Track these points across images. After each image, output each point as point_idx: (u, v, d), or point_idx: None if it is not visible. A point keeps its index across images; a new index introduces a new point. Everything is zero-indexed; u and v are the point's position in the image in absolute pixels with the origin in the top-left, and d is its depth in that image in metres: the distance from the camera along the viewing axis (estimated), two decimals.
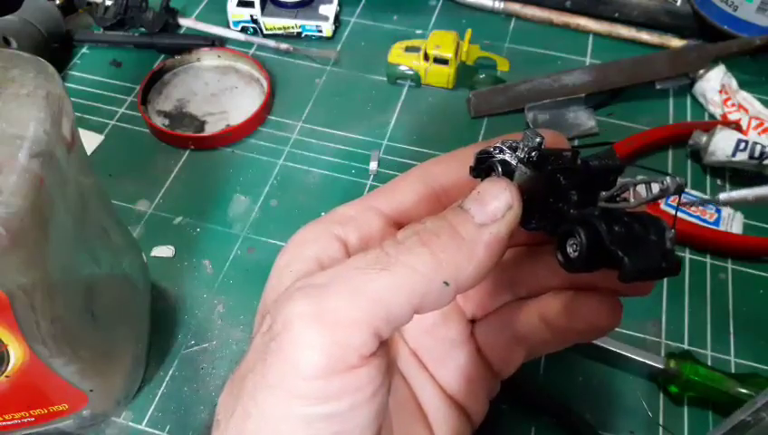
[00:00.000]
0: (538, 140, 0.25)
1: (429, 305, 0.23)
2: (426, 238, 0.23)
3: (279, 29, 0.77)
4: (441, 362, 0.31)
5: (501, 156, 0.26)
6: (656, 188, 0.24)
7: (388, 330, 0.23)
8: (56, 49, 0.74)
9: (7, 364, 0.37)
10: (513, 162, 0.26)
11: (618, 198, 0.25)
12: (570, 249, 0.24)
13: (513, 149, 0.26)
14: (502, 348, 0.31)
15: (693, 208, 0.61)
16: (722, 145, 0.63)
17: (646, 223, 0.25)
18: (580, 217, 0.24)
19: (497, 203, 0.24)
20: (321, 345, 0.22)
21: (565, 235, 0.24)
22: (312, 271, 0.26)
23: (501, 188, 0.24)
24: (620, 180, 0.26)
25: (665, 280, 0.58)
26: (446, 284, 0.23)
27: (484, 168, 0.27)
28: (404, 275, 0.22)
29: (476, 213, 0.23)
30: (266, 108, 0.70)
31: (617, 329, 0.54)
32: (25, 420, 0.43)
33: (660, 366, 0.50)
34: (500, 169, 0.26)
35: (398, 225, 0.28)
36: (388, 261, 0.22)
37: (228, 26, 0.78)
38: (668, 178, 0.24)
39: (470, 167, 0.27)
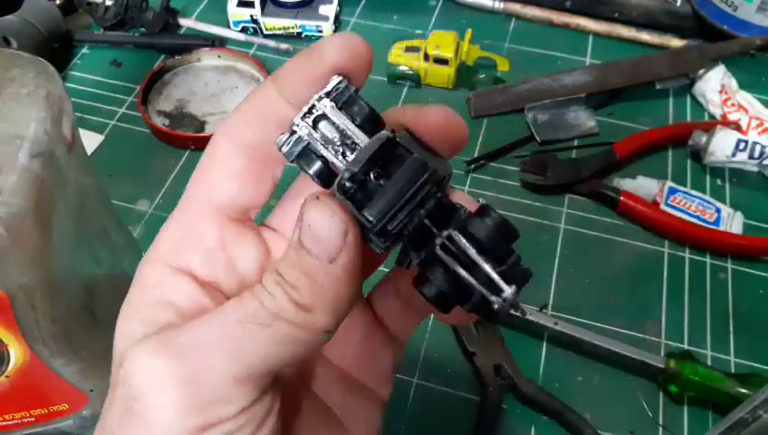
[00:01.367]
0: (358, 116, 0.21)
1: (314, 351, 0.22)
2: (291, 293, 0.21)
3: (279, 29, 0.77)
4: (341, 342, 0.28)
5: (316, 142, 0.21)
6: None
7: (271, 380, 0.22)
8: (56, 49, 0.74)
9: (8, 364, 0.37)
10: (332, 158, 0.22)
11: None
12: (425, 290, 0.22)
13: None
14: (399, 312, 0.29)
15: (693, 208, 0.61)
16: (722, 145, 0.64)
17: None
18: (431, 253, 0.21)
19: (332, 235, 0.21)
20: (189, 409, 0.20)
21: (421, 275, 0.22)
22: (166, 320, 0.22)
23: (327, 217, 0.21)
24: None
25: (665, 281, 0.58)
26: (327, 331, 0.22)
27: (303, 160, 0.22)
28: (287, 332, 0.21)
29: (319, 252, 0.21)
30: None
31: (617, 329, 0.54)
32: (26, 420, 0.43)
33: (660, 366, 0.50)
34: (318, 180, 0.22)
35: (232, 214, 0.25)
36: (267, 315, 0.21)
37: (228, 26, 0.78)
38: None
39: (278, 143, 0.22)
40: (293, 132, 0.22)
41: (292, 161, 0.22)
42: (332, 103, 0.21)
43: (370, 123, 0.22)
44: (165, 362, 0.20)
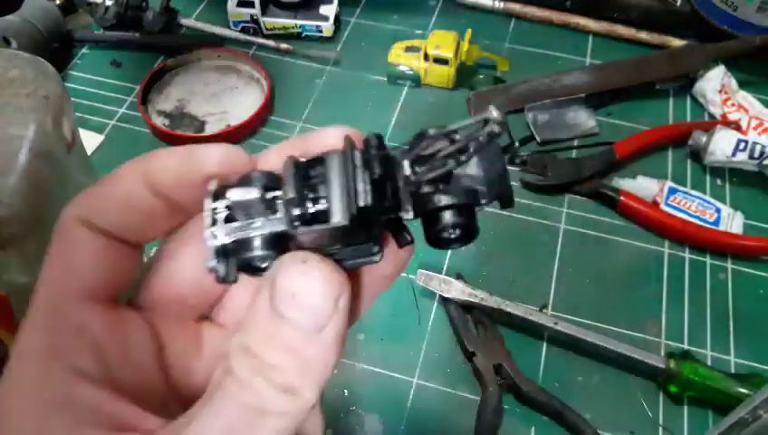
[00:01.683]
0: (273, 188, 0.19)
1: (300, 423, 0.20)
2: (274, 378, 0.18)
3: (279, 29, 0.77)
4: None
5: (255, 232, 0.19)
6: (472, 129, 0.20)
7: None
8: (56, 49, 0.74)
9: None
10: (283, 227, 0.19)
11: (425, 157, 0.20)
12: (446, 234, 0.20)
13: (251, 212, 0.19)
14: None
15: (693, 208, 0.61)
16: (722, 145, 0.63)
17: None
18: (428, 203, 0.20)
19: (324, 302, 0.19)
20: None
21: (431, 223, 0.20)
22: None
23: (319, 283, 0.19)
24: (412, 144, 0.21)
25: (665, 281, 0.58)
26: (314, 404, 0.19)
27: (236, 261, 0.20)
28: (275, 424, 0.19)
29: (307, 322, 0.19)
30: (266, 108, 0.70)
31: (617, 329, 0.54)
32: None
33: (660, 366, 0.50)
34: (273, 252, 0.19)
35: (104, 298, 0.21)
36: (252, 414, 0.18)
37: (228, 26, 0.78)
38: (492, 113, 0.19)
39: (211, 269, 0.19)
40: (219, 247, 0.20)
41: (238, 271, 0.20)
42: (228, 200, 0.20)
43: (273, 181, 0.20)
44: None
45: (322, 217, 0.19)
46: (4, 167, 0.32)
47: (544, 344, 0.54)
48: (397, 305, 0.55)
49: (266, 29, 0.77)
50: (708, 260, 0.59)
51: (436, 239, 0.21)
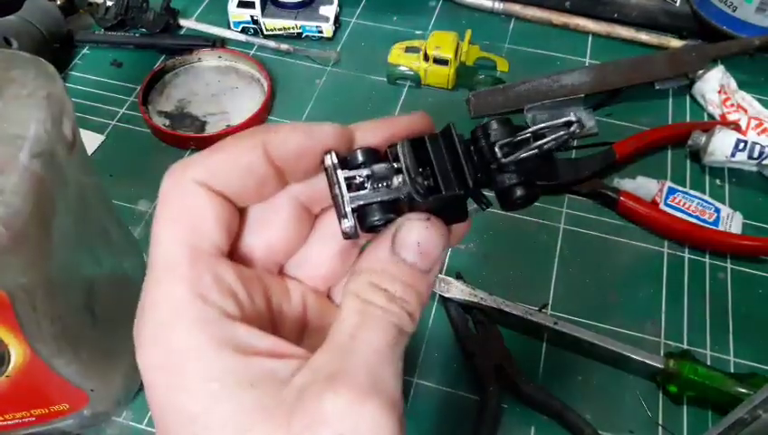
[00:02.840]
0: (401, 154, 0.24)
1: None
2: (407, 307, 0.23)
3: (279, 30, 0.78)
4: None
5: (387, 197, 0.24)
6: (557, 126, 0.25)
7: None
8: (57, 49, 0.75)
9: (8, 364, 0.37)
10: (404, 195, 0.24)
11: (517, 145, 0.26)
12: (517, 193, 0.26)
13: (384, 180, 0.24)
14: None
15: (692, 208, 0.61)
16: (721, 145, 0.64)
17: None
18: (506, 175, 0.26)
19: (438, 251, 0.25)
20: None
21: (506, 195, 0.26)
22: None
23: (438, 236, 0.24)
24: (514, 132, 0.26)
25: (664, 281, 0.58)
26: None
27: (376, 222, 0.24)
28: (403, 345, 0.23)
29: (423, 265, 0.24)
30: (267, 108, 0.70)
31: (617, 329, 0.54)
32: (26, 420, 0.43)
33: (660, 366, 0.50)
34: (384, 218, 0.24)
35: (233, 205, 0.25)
36: (397, 334, 0.23)
37: (229, 27, 0.78)
38: (573, 115, 0.25)
39: (348, 227, 0.24)
40: (354, 208, 0.24)
41: (367, 230, 0.24)
42: (357, 169, 0.24)
43: (374, 156, 0.25)
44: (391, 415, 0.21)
45: (436, 190, 0.24)
46: (5, 167, 0.32)
47: (544, 344, 0.54)
48: None
49: (266, 30, 0.78)
50: (707, 260, 0.59)
51: (507, 205, 0.27)
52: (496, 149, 0.25)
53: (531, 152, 0.25)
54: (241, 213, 0.26)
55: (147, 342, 0.23)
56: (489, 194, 0.27)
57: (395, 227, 0.24)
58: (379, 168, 0.24)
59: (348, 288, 0.24)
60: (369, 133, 0.26)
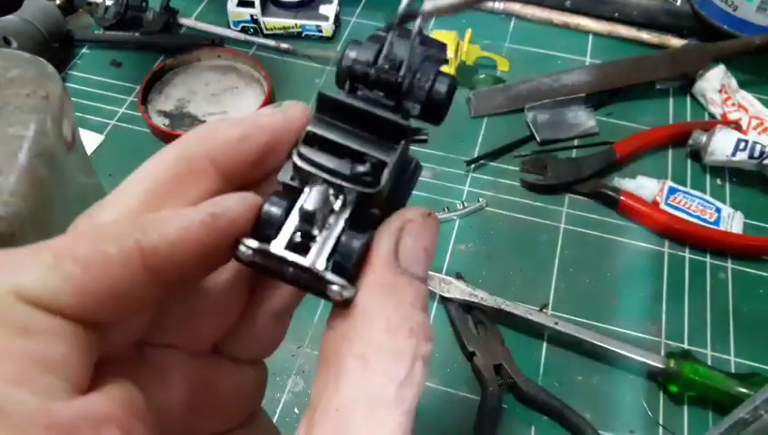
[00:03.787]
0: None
1: None
2: (417, 330, 0.18)
3: (279, 29, 0.77)
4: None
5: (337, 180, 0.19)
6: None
7: None
8: (56, 49, 0.75)
9: None
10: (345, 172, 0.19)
11: None
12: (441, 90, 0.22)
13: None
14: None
15: (693, 208, 0.61)
16: (722, 145, 0.63)
17: None
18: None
19: (433, 253, 0.19)
20: None
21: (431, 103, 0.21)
22: None
23: (438, 231, 0.19)
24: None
25: (665, 280, 0.58)
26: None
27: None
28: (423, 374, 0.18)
29: (425, 275, 0.19)
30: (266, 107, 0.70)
31: (617, 328, 0.54)
32: None
33: (660, 366, 0.50)
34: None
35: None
36: (411, 371, 0.17)
37: (228, 26, 0.78)
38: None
39: (340, 289, 0.18)
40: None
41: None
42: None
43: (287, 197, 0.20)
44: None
45: (378, 165, 0.19)
46: (5, 166, 0.32)
47: (544, 344, 0.54)
48: None
49: (266, 29, 0.77)
50: (708, 260, 0.59)
51: (434, 111, 0.21)
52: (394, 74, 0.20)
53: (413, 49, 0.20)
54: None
55: None
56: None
57: (393, 237, 0.18)
58: (309, 201, 0.18)
59: (347, 346, 0.17)
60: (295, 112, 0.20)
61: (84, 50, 0.77)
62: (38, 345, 0.15)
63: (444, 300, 0.55)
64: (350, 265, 0.18)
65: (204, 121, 0.69)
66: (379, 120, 0.19)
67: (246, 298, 0.22)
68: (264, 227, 0.18)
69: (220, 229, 0.17)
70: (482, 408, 0.50)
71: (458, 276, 0.56)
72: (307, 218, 0.18)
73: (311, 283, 0.18)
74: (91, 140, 0.67)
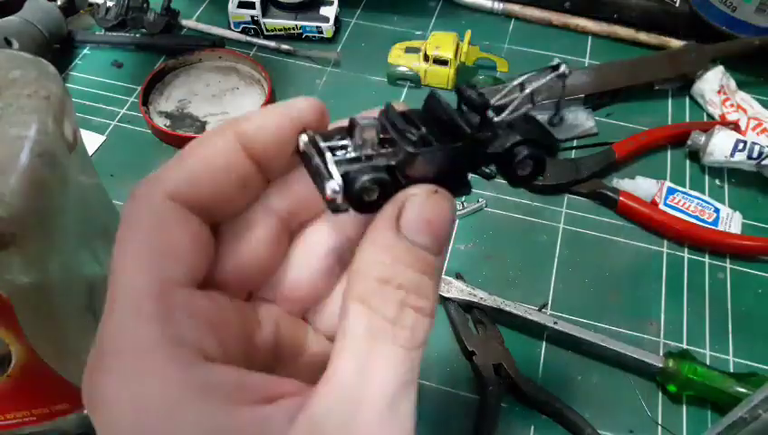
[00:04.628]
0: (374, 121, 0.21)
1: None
2: (425, 304, 0.20)
3: (280, 30, 0.78)
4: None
5: (374, 164, 0.21)
6: (546, 74, 0.24)
7: None
8: (58, 50, 0.75)
9: (9, 364, 0.37)
10: (389, 159, 0.21)
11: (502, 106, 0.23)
12: (521, 170, 0.23)
13: (362, 149, 0.21)
14: None
15: (692, 208, 0.61)
16: (720, 145, 0.64)
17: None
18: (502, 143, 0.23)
19: (448, 228, 0.21)
20: None
21: (509, 158, 0.23)
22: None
23: (447, 211, 0.20)
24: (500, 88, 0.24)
25: (663, 280, 0.58)
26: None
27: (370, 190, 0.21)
28: (419, 354, 0.21)
29: (435, 247, 0.20)
30: None
31: (616, 328, 0.54)
32: (27, 420, 0.43)
33: (659, 365, 0.50)
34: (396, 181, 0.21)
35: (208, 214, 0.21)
36: (407, 357, 0.20)
37: (229, 27, 0.78)
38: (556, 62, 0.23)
39: (334, 202, 0.20)
40: (342, 173, 0.20)
41: (350, 202, 0.21)
42: (339, 139, 0.21)
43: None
44: None
45: (430, 144, 0.21)
46: (6, 167, 0.32)
47: (544, 344, 0.54)
48: None
49: (267, 30, 0.78)
50: (707, 260, 0.59)
51: (514, 174, 0.23)
52: (489, 111, 0.22)
53: (524, 105, 0.22)
54: (214, 231, 0.22)
55: (109, 398, 0.18)
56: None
57: (397, 206, 0.20)
58: (368, 135, 0.21)
59: (351, 292, 0.20)
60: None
61: (85, 51, 0.77)
62: (168, 236, 0.20)
63: (443, 300, 0.55)
64: (355, 185, 0.20)
65: (205, 122, 0.70)
66: (453, 123, 0.22)
67: (287, 245, 0.24)
68: (330, 134, 0.21)
69: (292, 118, 0.21)
70: (481, 407, 0.50)
71: (458, 276, 0.56)
72: (351, 129, 0.21)
73: (319, 177, 0.20)
74: (92, 141, 0.67)
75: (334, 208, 0.20)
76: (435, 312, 0.21)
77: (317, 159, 0.20)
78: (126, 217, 0.20)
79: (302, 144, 0.21)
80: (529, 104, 0.23)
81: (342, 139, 0.21)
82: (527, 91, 0.23)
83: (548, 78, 0.23)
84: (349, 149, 0.21)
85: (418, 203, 0.20)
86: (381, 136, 0.21)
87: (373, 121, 0.21)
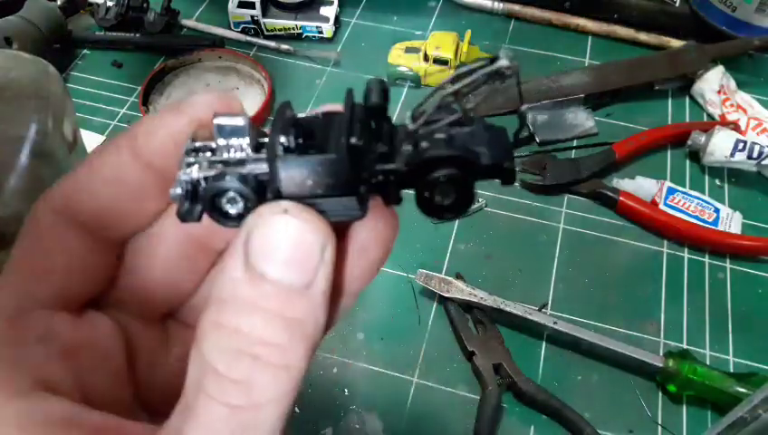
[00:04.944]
0: (242, 121, 0.18)
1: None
2: (272, 356, 0.16)
3: (280, 30, 0.78)
4: None
5: (228, 170, 0.18)
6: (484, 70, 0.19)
7: None
8: (58, 50, 0.75)
9: None
10: (250, 169, 0.18)
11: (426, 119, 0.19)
12: (438, 197, 0.18)
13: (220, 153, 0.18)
14: None
15: (692, 208, 0.61)
16: (720, 145, 0.64)
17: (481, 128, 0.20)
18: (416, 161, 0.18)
19: (311, 253, 0.16)
20: None
21: (421, 180, 0.18)
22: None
23: (303, 231, 0.16)
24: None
25: (663, 280, 0.58)
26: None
27: (210, 197, 0.18)
28: (283, 408, 0.17)
29: (292, 278, 0.16)
30: (267, 108, 0.70)
31: (616, 328, 0.54)
32: None
33: (659, 365, 0.50)
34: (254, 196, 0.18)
35: (74, 306, 0.20)
36: (255, 406, 0.16)
37: (229, 27, 0.78)
38: (501, 53, 0.18)
39: (174, 197, 0.18)
40: (189, 180, 0.18)
41: (205, 210, 0.18)
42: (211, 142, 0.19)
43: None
44: None
45: (311, 151, 0.18)
46: (6, 167, 0.32)
47: (544, 344, 0.54)
48: (397, 305, 0.56)
49: (267, 30, 0.78)
50: (707, 260, 0.59)
51: (427, 203, 0.18)
52: (407, 114, 0.18)
53: (449, 111, 0.18)
54: (121, 247, 0.21)
55: None
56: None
57: (246, 228, 0.17)
58: (237, 140, 0.18)
59: (197, 333, 0.17)
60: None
61: (85, 51, 0.77)
62: (43, 254, 0.19)
63: (444, 300, 0.55)
64: (208, 193, 0.18)
65: None
66: (346, 132, 0.18)
67: (208, 266, 0.22)
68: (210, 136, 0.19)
69: (187, 120, 0.19)
70: (481, 407, 0.50)
71: (458, 276, 0.56)
72: (223, 145, 0.18)
73: (178, 178, 0.18)
74: (92, 141, 0.67)
75: (180, 216, 0.18)
76: (302, 360, 0.17)
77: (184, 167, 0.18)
78: (19, 233, 0.19)
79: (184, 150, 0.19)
80: (451, 114, 0.19)
81: (235, 118, 0.18)
82: (453, 88, 0.19)
83: (484, 71, 0.19)
84: (216, 153, 0.18)
85: (265, 225, 0.17)
86: (261, 141, 0.18)
87: (241, 124, 0.18)
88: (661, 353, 0.52)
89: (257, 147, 0.18)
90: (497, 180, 0.18)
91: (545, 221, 0.62)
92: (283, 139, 0.17)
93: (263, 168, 0.18)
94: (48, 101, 0.36)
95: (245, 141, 0.18)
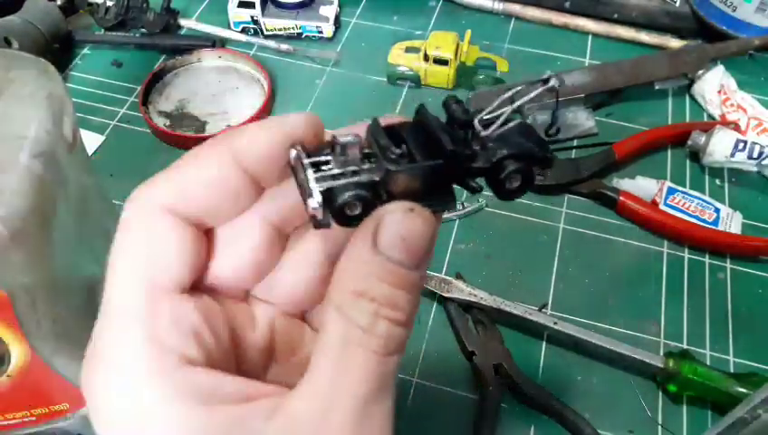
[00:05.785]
0: (357, 139, 0.22)
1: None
2: (398, 316, 0.21)
3: (279, 30, 0.78)
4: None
5: (355, 179, 0.21)
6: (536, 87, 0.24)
7: None
8: (57, 49, 0.75)
9: (9, 364, 0.37)
10: (371, 176, 0.21)
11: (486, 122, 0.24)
12: (509, 183, 0.23)
13: (346, 165, 0.22)
14: None
15: (692, 208, 0.61)
16: (721, 145, 0.64)
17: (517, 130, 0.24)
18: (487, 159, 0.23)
19: (426, 244, 0.21)
20: None
21: (497, 173, 0.23)
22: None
23: (424, 228, 0.21)
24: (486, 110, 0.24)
25: (664, 280, 0.58)
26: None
27: (345, 205, 0.21)
28: (400, 358, 0.22)
29: (411, 262, 0.21)
30: (267, 108, 0.70)
31: (616, 328, 0.54)
32: (27, 420, 0.43)
33: (659, 365, 0.50)
34: (380, 196, 0.22)
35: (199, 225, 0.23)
36: (389, 352, 0.21)
37: (229, 27, 0.78)
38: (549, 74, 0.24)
39: (315, 217, 0.21)
40: (324, 191, 0.21)
41: (332, 217, 0.22)
42: (327, 154, 0.22)
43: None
44: None
45: (411, 160, 0.22)
46: (5, 167, 0.32)
47: (544, 344, 0.54)
48: None
49: (267, 30, 0.78)
50: (707, 260, 0.59)
51: (502, 189, 0.24)
52: (475, 121, 0.23)
53: (511, 120, 0.23)
54: (208, 235, 0.23)
55: (99, 395, 0.20)
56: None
57: (374, 222, 0.21)
58: (351, 151, 0.21)
59: (330, 301, 0.21)
60: (344, 130, 0.23)
61: (85, 50, 0.77)
62: (158, 244, 0.21)
63: (444, 300, 0.55)
64: (336, 202, 0.21)
65: (205, 122, 0.70)
66: (437, 140, 0.22)
67: (282, 249, 0.25)
68: (317, 150, 0.22)
69: (284, 133, 0.22)
70: (481, 407, 0.50)
71: (458, 276, 0.56)
72: (339, 159, 0.21)
73: (303, 192, 0.21)
74: (91, 141, 0.67)
75: (316, 224, 0.21)
76: (412, 322, 0.22)
77: (302, 175, 0.21)
78: (122, 223, 0.22)
79: (291, 159, 0.22)
80: (518, 117, 0.23)
81: (329, 154, 0.22)
82: (516, 104, 0.23)
83: (538, 91, 0.24)
84: (332, 164, 0.22)
85: (394, 221, 0.21)
86: (366, 151, 0.22)
87: (354, 139, 0.21)
88: (661, 354, 0.52)
89: (364, 157, 0.22)
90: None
91: (545, 221, 0.62)
92: (395, 152, 0.22)
93: (374, 175, 0.21)
94: (48, 101, 0.36)
95: (356, 153, 0.22)
